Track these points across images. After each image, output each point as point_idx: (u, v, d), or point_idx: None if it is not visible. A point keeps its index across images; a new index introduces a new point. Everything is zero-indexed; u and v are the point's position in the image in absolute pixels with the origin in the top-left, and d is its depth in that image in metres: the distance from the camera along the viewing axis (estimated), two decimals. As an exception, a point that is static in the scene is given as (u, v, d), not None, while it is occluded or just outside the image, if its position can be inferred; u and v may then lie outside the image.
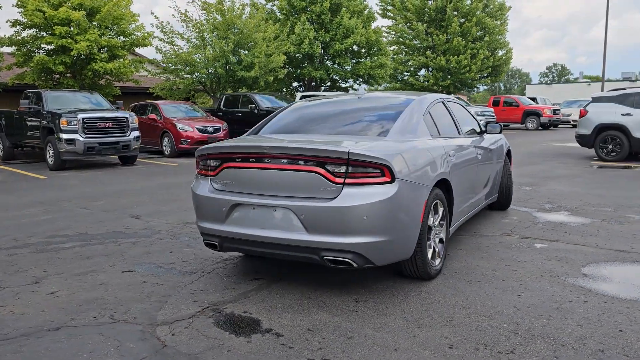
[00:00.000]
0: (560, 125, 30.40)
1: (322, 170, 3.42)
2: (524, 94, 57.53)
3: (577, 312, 3.35)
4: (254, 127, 4.65)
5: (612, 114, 12.01)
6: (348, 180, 3.38)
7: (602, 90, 31.02)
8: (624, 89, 12.34)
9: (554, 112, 28.99)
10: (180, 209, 7.07)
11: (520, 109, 29.53)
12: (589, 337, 3.01)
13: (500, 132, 6.01)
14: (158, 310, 3.52)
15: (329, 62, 26.44)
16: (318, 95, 20.67)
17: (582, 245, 4.93)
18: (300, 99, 20.23)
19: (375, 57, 26.32)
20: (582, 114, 12.67)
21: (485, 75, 33.98)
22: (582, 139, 12.65)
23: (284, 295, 3.76)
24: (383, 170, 3.38)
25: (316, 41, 24.17)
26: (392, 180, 3.39)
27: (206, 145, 4.00)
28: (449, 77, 33.07)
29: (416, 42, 34.05)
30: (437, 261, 4.06)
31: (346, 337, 3.07)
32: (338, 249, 3.38)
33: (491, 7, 34.35)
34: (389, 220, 3.40)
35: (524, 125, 29.03)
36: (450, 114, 4.98)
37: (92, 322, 3.35)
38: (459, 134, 5.01)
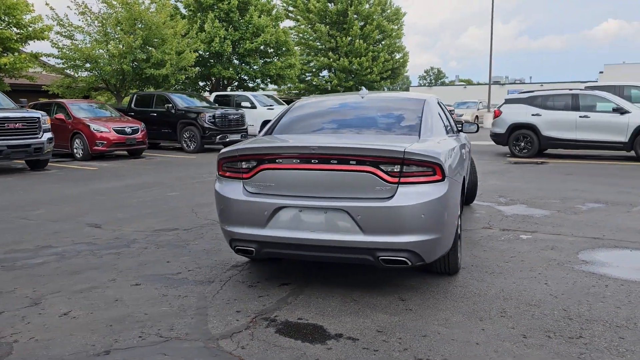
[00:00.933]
0: (454, 125, 32.48)
1: (376, 170, 3.39)
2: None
3: (607, 296, 3.65)
4: (267, 128, 4.48)
5: (523, 114, 13.12)
6: (403, 180, 3.39)
7: (489, 92, 33.68)
8: (532, 91, 13.55)
9: (450, 112, 30.97)
10: (139, 215, 6.60)
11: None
12: (633, 317, 3.29)
13: (477, 131, 6.32)
14: (205, 323, 3.28)
15: (237, 61, 26.00)
16: (231, 96, 20.23)
17: (560, 235, 5.35)
18: (215, 99, 19.72)
19: (284, 57, 26.34)
20: (497, 114, 13.69)
21: (386, 77, 35.45)
22: (497, 137, 13.67)
23: (326, 299, 3.66)
24: (435, 169, 3.42)
25: (227, 40, 23.65)
26: (443, 179, 3.45)
27: (234, 147, 3.78)
28: (352, 78, 34.06)
29: (319, 44, 34.65)
30: (459, 256, 4.20)
31: (421, 335, 3.08)
32: (395, 248, 3.37)
33: (388, 11, 35.90)
34: (441, 218, 3.45)
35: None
36: (445, 113, 5.16)
37: (141, 342, 3.03)
38: (453, 132, 5.21)
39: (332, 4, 34.08)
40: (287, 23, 30.55)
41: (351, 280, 4.04)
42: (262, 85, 28.42)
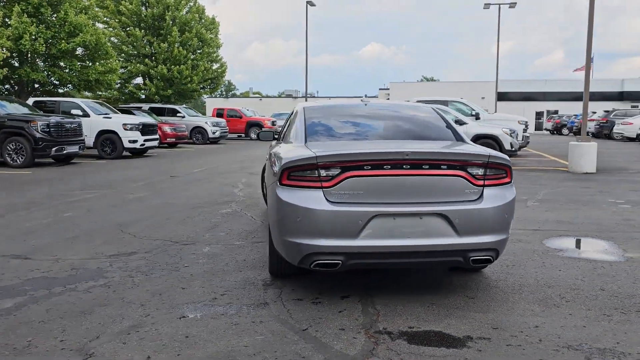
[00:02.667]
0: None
1: (465, 174, 3.52)
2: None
3: (611, 275, 4.33)
4: (294, 136, 4.23)
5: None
6: (487, 182, 3.58)
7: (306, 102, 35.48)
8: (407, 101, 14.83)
9: (273, 123, 31.85)
10: (63, 240, 5.55)
11: (244, 120, 31.41)
12: (651, 289, 3.99)
13: None
14: (332, 345, 3.01)
15: (47, 63, 22.93)
16: (57, 102, 17.80)
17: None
18: (34, 105, 17.10)
19: (104, 61, 24.10)
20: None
21: (206, 86, 34.80)
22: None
23: (406, 306, 3.64)
24: (507, 172, 3.69)
25: (39, 38, 20.71)
26: (511, 181, 3.74)
27: (309, 154, 3.51)
28: (170, 86, 32.63)
29: (132, 49, 32.41)
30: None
31: (533, 326, 3.30)
32: (485, 248, 3.53)
33: (203, 20, 35.39)
34: (512, 217, 3.73)
35: (247, 136, 30.91)
36: None
37: (293, 376, 2.67)
38: None
39: (147, 7, 32.27)
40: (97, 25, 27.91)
41: (402, 287, 4.07)
42: (73, 91, 25.50)
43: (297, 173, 3.54)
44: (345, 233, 3.41)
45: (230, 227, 6.23)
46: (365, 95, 59.58)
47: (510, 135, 13.78)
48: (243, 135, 30.98)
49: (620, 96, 60.07)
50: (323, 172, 3.47)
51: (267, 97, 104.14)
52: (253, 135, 30.51)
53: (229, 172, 12.36)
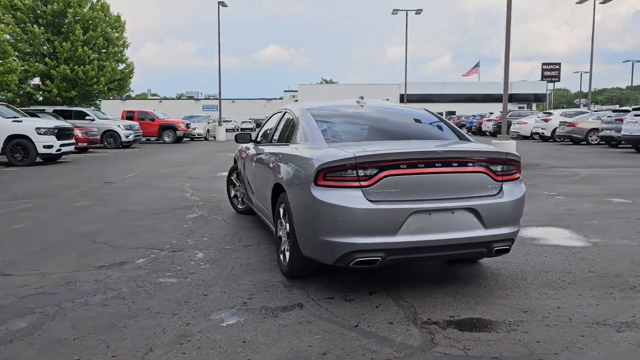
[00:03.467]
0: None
1: (488, 170, 3.78)
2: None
3: (590, 259, 4.82)
4: (307, 137, 4.26)
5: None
6: (504, 178, 3.87)
7: (220, 107, 34.93)
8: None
9: (187, 125, 30.97)
10: (34, 252, 5.15)
11: (156, 123, 30.21)
12: (629, 269, 4.51)
13: None
14: (392, 338, 3.11)
15: None
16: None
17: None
18: None
19: (1, 61, 22.15)
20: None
21: (113, 88, 33.09)
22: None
23: (435, 298, 3.82)
24: (517, 168, 4.01)
25: None
26: (520, 176, 4.06)
27: (347, 155, 3.58)
28: (74, 88, 30.66)
29: (30, 47, 30.02)
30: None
31: (556, 307, 3.63)
32: (506, 238, 3.82)
33: (108, 18, 33.68)
34: (523, 210, 4.05)
35: (161, 139, 29.80)
36: None
37: (377, 369, 2.74)
38: None
39: (45, 3, 30.07)
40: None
41: (421, 279, 4.27)
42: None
43: (334, 173, 3.59)
44: (385, 230, 3.52)
45: (208, 231, 6.08)
46: (363, 98, 59.68)
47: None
48: (155, 138, 29.80)
49: (509, 98, 65.15)
50: (361, 172, 3.56)
51: (166, 99, 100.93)
52: (167, 139, 29.47)
53: (164, 177, 11.93)
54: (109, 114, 26.70)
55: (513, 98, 64.59)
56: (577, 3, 34.75)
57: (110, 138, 24.08)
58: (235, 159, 7.20)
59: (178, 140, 29.73)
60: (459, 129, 4.68)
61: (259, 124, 79.83)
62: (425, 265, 4.65)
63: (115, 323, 3.40)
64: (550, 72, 68.96)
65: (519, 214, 3.90)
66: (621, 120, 20.37)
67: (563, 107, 69.87)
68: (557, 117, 28.12)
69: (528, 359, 2.86)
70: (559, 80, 71.12)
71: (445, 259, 4.00)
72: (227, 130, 38.05)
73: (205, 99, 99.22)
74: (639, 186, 9.74)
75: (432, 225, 3.60)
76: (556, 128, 26.67)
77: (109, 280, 4.29)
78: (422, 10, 34.41)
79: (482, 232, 3.70)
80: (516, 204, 3.85)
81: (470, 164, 3.73)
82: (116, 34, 32.99)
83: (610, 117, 21.77)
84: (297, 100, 66.48)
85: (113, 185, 10.39)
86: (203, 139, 32.74)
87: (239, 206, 7.17)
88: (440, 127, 4.67)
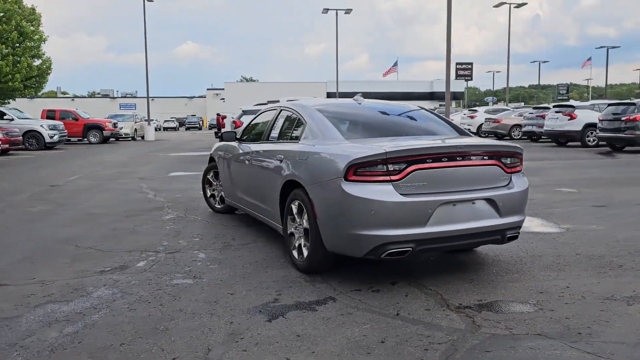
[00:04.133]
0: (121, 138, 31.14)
1: (499, 163, 4.04)
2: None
3: (570, 243, 5.25)
4: (319, 134, 4.32)
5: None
6: (512, 170, 4.15)
7: (148, 106, 33.76)
8: (266, 103, 15.01)
9: (115, 125, 29.68)
10: (17, 261, 4.87)
11: (80, 122, 28.76)
12: (608, 250, 4.97)
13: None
14: (439, 323, 3.28)
15: None
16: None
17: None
18: None
19: None
20: (238, 125, 14.58)
21: (30, 85, 30.96)
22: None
23: (454, 284, 4.03)
24: (520, 161, 4.31)
25: None
26: (522, 168, 4.37)
27: (378, 150, 3.69)
28: (-14, 85, 28.45)
29: None
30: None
31: (565, 287, 3.96)
32: (516, 226, 4.11)
33: (21, 10, 31.52)
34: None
35: (85, 139, 28.35)
36: None
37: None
38: None
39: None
40: None
41: (434, 268, 4.48)
42: None
43: (365, 169, 3.70)
44: (415, 222, 3.68)
45: (196, 232, 5.97)
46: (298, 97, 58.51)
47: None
48: (78, 139, 28.29)
49: (431, 96, 68.13)
50: (391, 167, 3.70)
51: (77, 97, 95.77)
52: (93, 139, 28.11)
53: (112, 178, 11.46)
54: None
55: (434, 96, 67.49)
56: (494, 6, 36.89)
57: (32, 139, 22.67)
58: (212, 157, 7.09)
59: (104, 140, 28.43)
60: (456, 125, 4.93)
61: (182, 123, 77.76)
62: (429, 254, 4.86)
63: (155, 326, 3.31)
64: (464, 71, 72.49)
65: (525, 203, 4.20)
66: (542, 116, 21.99)
67: (476, 105, 73.54)
68: (482, 114, 29.74)
69: (567, 333, 3.12)
70: (471, 79, 74.67)
71: (466, 247, 4.23)
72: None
73: (122, 97, 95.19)
74: (576, 177, 10.60)
75: (456, 216, 3.81)
76: (482, 124, 28.20)
77: (120, 285, 4.14)
78: (351, 10, 35.10)
79: (498, 221, 3.96)
80: (524, 194, 4.14)
81: (486, 157, 3.98)
82: (31, 28, 30.92)
83: (532, 113, 23.42)
84: (223, 99, 65.45)
85: (62, 189, 9.85)
86: (130, 138, 31.50)
87: (217, 205, 7.08)
88: (440, 124, 4.89)
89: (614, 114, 16.67)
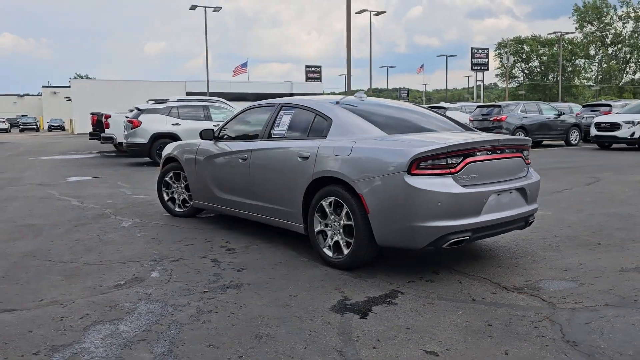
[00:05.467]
0: None
1: (522, 156, 4.44)
2: None
3: (546, 227, 5.89)
4: (352, 130, 4.34)
5: (164, 124, 13.66)
6: (528, 162, 4.58)
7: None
8: (165, 101, 14.18)
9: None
10: (5, 281, 4.15)
11: None
12: (574, 231, 5.68)
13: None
14: (517, 303, 3.53)
15: None
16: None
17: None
18: None
19: None
20: (136, 124, 13.58)
21: None
22: (138, 148, 13.61)
23: (487, 270, 4.33)
24: (529, 154, 4.77)
25: None
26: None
27: (440, 145, 3.84)
28: None
29: None
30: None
31: (578, 264, 4.48)
32: (534, 212, 4.54)
33: None
34: None
35: None
36: None
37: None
38: None
39: None
40: None
41: (458, 258, 4.74)
42: None
43: (427, 162, 3.83)
44: (472, 212, 3.91)
45: (177, 238, 5.56)
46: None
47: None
48: None
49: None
50: (450, 160, 3.87)
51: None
52: None
53: (9, 185, 10.04)
54: None
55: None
56: (356, 13, 38.91)
57: None
58: (170, 158, 6.62)
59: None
60: (458, 121, 5.26)
61: (14, 124, 68.89)
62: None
63: (252, 331, 3.12)
64: (313, 73, 75.24)
65: (538, 191, 4.65)
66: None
67: None
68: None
69: (626, 302, 3.56)
70: (320, 81, 77.23)
71: (503, 233, 4.52)
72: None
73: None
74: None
75: (501, 205, 4.11)
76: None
77: (159, 297, 3.75)
78: (220, 8, 34.48)
79: (526, 208, 4.35)
80: (539, 183, 4.59)
81: (514, 150, 4.34)
82: None
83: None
84: (68, 98, 59.65)
85: (-51, 199, 8.38)
86: None
87: (177, 209, 6.63)
88: (445, 120, 5.16)
89: (482, 114, 18.70)
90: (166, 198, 6.72)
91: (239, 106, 13.93)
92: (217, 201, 5.82)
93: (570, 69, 75.03)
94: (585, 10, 72.99)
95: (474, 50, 62.24)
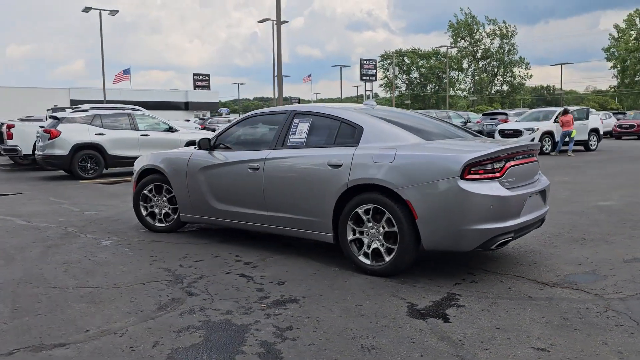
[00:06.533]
0: None
1: (536, 160, 4.77)
2: None
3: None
4: (386, 137, 4.39)
5: (86, 133, 12.65)
6: (539, 166, 4.93)
7: None
8: (87, 110, 13.12)
9: None
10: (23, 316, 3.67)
11: None
12: (554, 228, 6.19)
13: None
14: (567, 296, 3.79)
15: None
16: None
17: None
18: None
19: None
20: (55, 135, 12.42)
21: None
22: (57, 160, 12.48)
23: (517, 269, 4.61)
24: (534, 158, 5.12)
25: None
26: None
27: (489, 150, 4.03)
28: None
29: None
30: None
31: (585, 258, 4.89)
32: (547, 212, 4.89)
33: None
34: None
35: None
36: None
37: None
38: None
39: None
40: None
41: (479, 256, 4.95)
42: None
43: (477, 167, 3.98)
44: (515, 213, 4.13)
45: (180, 255, 5.21)
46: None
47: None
48: None
49: (186, 106, 67.35)
50: (495, 165, 4.07)
51: None
52: None
53: None
54: None
55: (190, 106, 66.86)
56: (259, 21, 38.97)
57: None
58: (149, 170, 6.18)
59: None
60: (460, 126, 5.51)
61: None
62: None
63: (358, 347, 3.04)
64: (202, 82, 74.08)
65: None
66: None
67: (216, 115, 73.12)
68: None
69: (656, 288, 3.97)
70: (209, 89, 75.77)
71: (527, 233, 4.76)
72: None
73: None
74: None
75: (531, 206, 4.37)
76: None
77: (227, 319, 3.51)
78: (117, 11, 32.61)
79: (544, 209, 4.69)
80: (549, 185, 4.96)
81: (533, 155, 4.65)
82: None
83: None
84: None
85: None
86: None
87: (158, 224, 6.21)
88: (457, 128, 5.37)
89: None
90: (144, 213, 6.26)
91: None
92: (214, 213, 5.54)
93: (446, 80, 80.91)
94: (458, 27, 79.25)
95: (363, 62, 64.67)
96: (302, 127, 5.00)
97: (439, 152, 4.18)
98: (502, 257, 4.93)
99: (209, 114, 62.31)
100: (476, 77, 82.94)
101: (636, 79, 71.57)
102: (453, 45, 76.12)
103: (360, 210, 4.39)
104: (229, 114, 56.66)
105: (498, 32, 79.03)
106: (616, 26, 69.66)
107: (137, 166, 6.34)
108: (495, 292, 3.96)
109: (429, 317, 3.47)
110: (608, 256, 4.89)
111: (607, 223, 6.37)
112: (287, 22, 39.10)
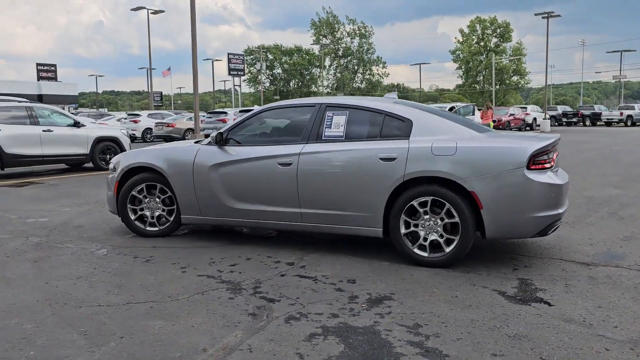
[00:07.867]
0: None
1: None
2: None
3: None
4: (431, 129, 4.46)
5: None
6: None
7: None
8: (77, 108, 11.39)
9: None
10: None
11: None
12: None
13: None
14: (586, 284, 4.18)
15: None
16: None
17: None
18: None
19: None
20: None
21: None
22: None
23: (520, 259, 4.96)
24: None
25: None
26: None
27: (547, 142, 4.29)
28: None
29: None
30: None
31: (592, 253, 5.42)
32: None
33: None
34: None
35: None
36: None
37: None
38: None
39: None
40: None
41: (494, 254, 5.21)
42: None
43: (538, 158, 4.21)
44: (564, 201, 4.44)
45: (205, 259, 4.77)
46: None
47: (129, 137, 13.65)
48: None
49: (40, 99, 60.34)
50: (550, 155, 4.34)
51: None
52: None
53: None
54: None
55: (44, 99, 59.91)
56: (132, 10, 36.47)
57: None
58: (144, 168, 5.55)
59: None
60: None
61: None
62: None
63: (505, 337, 3.07)
64: (47, 72, 67.54)
65: None
66: (223, 120, 23.71)
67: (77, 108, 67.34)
68: (145, 118, 29.39)
69: (676, 262, 4.54)
70: (56, 80, 69.43)
71: None
72: None
73: None
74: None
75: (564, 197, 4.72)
76: (149, 128, 27.94)
77: (322, 326, 3.32)
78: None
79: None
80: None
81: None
82: None
83: (211, 117, 24.91)
84: None
85: None
86: None
87: (149, 228, 5.61)
88: (479, 126, 5.54)
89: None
90: (133, 217, 5.61)
91: None
92: (230, 213, 5.15)
93: (309, 77, 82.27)
94: (320, 25, 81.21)
95: (231, 56, 63.24)
96: (337, 121, 4.85)
97: (504, 144, 4.34)
98: (514, 242, 5.24)
99: (67, 108, 56.61)
100: (338, 75, 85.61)
101: (478, 78, 79.16)
102: (315, 42, 77.74)
103: (415, 203, 4.39)
104: (76, 108, 52.60)
105: (358, 32, 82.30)
106: (461, 31, 76.35)
107: (123, 164, 5.65)
108: (556, 275, 4.22)
109: (531, 302, 3.61)
110: (607, 236, 5.43)
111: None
112: (162, 11, 37.06)
